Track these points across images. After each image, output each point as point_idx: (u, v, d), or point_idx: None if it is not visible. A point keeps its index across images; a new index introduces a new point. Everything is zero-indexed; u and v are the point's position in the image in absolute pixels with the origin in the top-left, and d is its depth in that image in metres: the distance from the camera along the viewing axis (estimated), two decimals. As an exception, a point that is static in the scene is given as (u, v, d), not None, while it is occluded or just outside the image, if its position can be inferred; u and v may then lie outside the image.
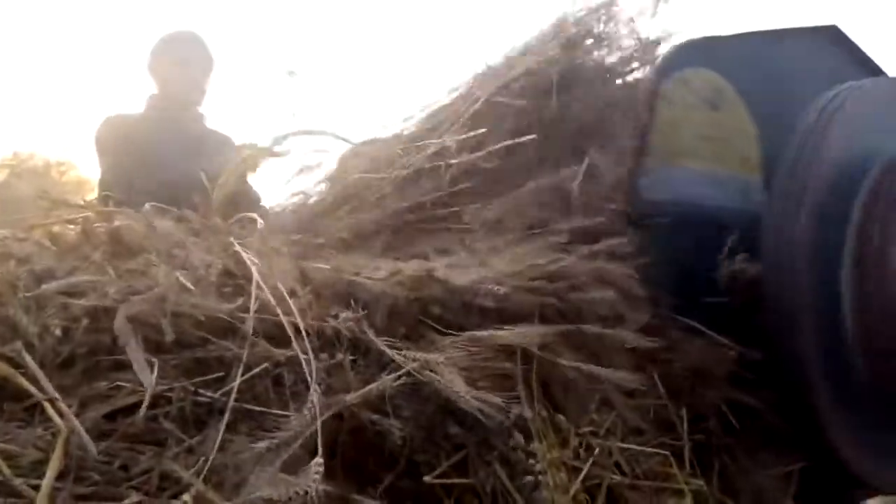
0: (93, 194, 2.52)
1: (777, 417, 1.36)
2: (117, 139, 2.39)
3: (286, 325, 0.96)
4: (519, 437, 1.04)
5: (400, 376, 0.96)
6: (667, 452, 1.14)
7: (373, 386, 0.92)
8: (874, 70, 1.74)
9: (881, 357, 1.18)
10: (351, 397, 0.91)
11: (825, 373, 1.21)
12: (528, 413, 1.05)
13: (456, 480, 1.04)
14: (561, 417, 1.11)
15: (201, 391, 0.88)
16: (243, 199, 1.96)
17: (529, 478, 1.02)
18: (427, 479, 1.03)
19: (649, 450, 1.14)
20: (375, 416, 1.03)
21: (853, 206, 1.22)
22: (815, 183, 1.19)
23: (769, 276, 1.22)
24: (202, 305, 0.99)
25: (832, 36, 1.72)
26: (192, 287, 1.02)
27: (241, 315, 0.99)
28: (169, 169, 2.17)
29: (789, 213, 1.20)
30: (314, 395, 0.89)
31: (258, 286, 1.02)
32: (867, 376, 1.22)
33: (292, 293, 1.11)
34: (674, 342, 1.43)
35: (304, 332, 0.96)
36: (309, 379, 0.93)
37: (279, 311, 0.99)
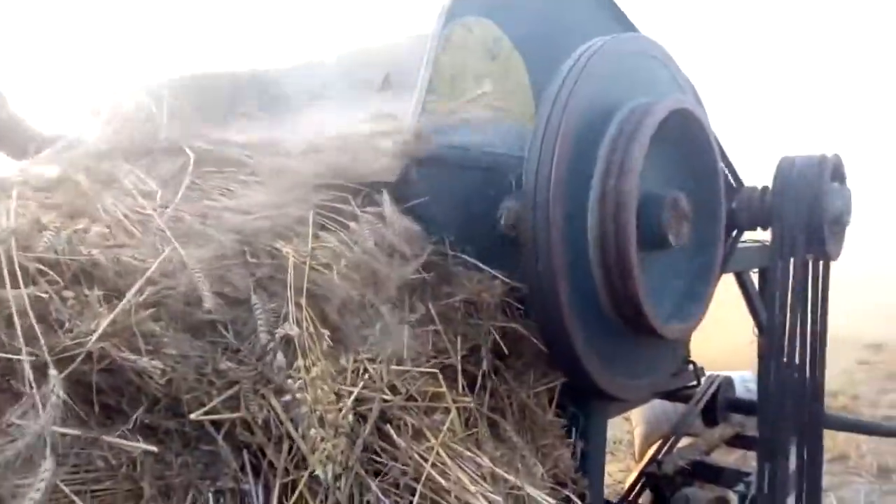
0: None
1: (540, 340, 1.52)
2: None
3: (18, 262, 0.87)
4: (282, 358, 1.05)
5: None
6: (435, 370, 1.21)
7: (120, 308, 0.87)
8: (629, 26, 1.96)
9: (616, 281, 1.37)
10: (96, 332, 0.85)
11: (572, 298, 1.36)
12: (294, 330, 1.06)
13: (225, 416, 1.04)
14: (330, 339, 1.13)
15: None
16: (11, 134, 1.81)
17: (288, 396, 1.04)
18: (193, 416, 1.01)
19: (421, 369, 1.20)
20: (133, 356, 0.99)
21: (601, 144, 1.38)
22: (566, 128, 1.32)
23: (526, 213, 1.34)
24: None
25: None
26: None
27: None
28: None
29: (545, 155, 1.32)
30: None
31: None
32: (605, 298, 1.40)
33: (38, 225, 1.01)
34: (452, 276, 1.53)
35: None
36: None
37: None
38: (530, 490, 1.06)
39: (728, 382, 2.84)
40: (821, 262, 2.04)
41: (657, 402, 3.82)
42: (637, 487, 2.25)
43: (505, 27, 1.71)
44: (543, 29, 1.74)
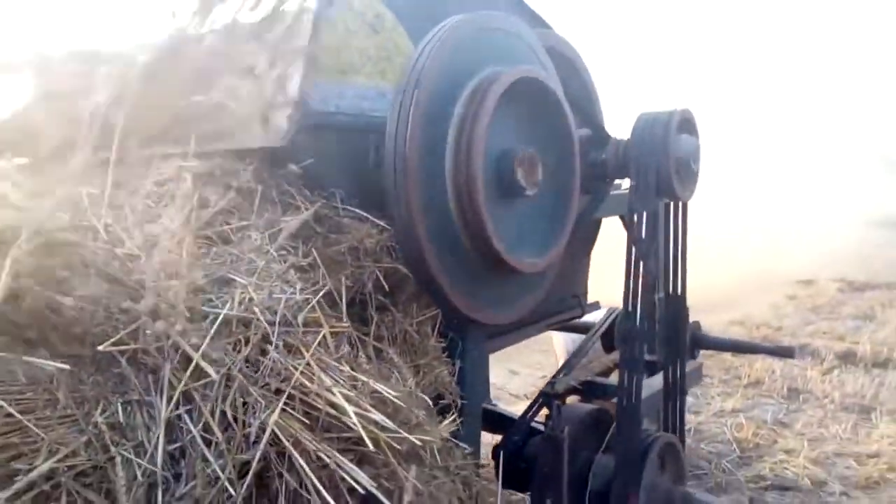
0: None
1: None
2: None
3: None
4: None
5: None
6: (310, 296, 1.46)
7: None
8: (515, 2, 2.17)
9: (471, 224, 1.63)
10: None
11: (434, 241, 1.62)
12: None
13: (128, 346, 1.28)
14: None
15: None
16: None
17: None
18: (101, 347, 1.25)
19: (298, 296, 1.45)
20: (49, 293, 1.22)
21: (454, 109, 1.62)
22: (422, 94, 1.55)
23: (389, 169, 1.58)
24: None
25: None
26: None
27: None
28: None
29: (403, 119, 1.55)
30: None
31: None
32: (466, 240, 1.67)
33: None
34: (341, 225, 1.77)
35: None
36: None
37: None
38: (375, 385, 1.33)
39: (625, 314, 3.18)
40: (679, 204, 2.35)
41: (576, 337, 4.18)
42: (535, 406, 2.57)
43: (388, 3, 1.92)
44: (426, 3, 1.95)
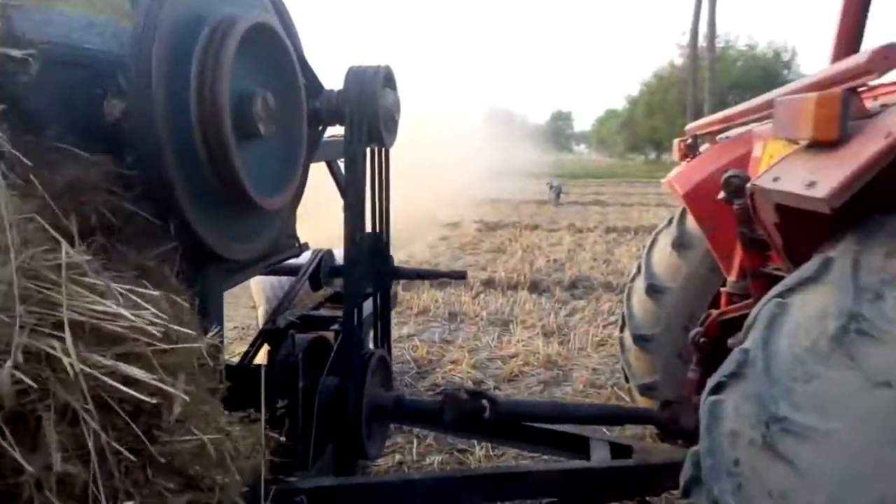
0: None
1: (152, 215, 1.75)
2: None
3: None
4: None
5: None
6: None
7: None
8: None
9: (218, 162, 1.69)
10: None
11: (182, 179, 1.64)
12: None
13: None
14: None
15: None
16: None
17: None
18: None
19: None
20: None
21: (194, 49, 1.64)
22: (163, 32, 1.54)
23: (133, 107, 1.55)
24: None
25: None
26: None
27: None
28: None
29: (145, 57, 1.53)
30: None
31: None
32: (212, 178, 1.72)
33: None
34: (53, 162, 1.64)
35: None
36: None
37: None
38: (144, 304, 1.36)
39: (329, 254, 3.46)
40: (383, 151, 2.69)
41: (276, 282, 4.35)
42: (257, 344, 2.70)
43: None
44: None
